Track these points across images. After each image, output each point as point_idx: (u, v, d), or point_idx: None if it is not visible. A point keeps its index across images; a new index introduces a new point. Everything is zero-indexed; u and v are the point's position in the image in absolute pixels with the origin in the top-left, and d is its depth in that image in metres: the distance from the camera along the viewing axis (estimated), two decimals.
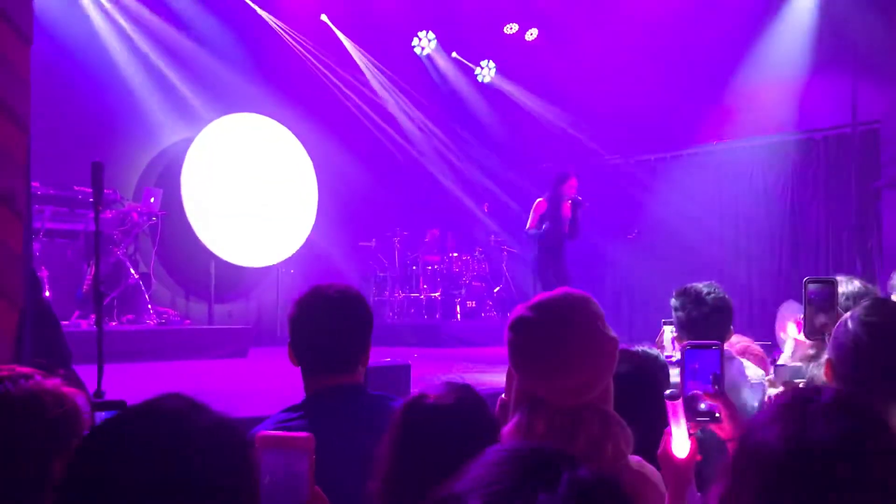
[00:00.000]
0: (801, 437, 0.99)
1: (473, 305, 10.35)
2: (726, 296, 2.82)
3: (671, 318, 2.83)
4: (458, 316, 10.08)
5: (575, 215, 7.28)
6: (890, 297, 2.64)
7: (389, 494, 1.45)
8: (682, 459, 1.58)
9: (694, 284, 2.87)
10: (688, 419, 1.58)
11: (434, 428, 1.46)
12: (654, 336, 3.11)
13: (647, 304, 8.91)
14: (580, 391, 1.51)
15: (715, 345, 1.69)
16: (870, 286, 2.66)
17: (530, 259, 7.58)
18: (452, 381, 1.60)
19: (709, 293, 2.82)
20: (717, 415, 1.61)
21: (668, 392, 1.57)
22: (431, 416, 1.48)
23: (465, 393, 1.55)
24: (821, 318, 2.06)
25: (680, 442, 1.58)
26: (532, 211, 7.38)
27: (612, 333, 1.56)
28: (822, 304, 2.07)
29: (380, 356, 6.25)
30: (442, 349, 8.59)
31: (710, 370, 1.65)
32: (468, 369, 6.14)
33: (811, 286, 2.08)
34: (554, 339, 1.52)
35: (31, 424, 1.32)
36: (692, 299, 2.80)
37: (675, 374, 2.26)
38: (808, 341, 2.19)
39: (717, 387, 1.65)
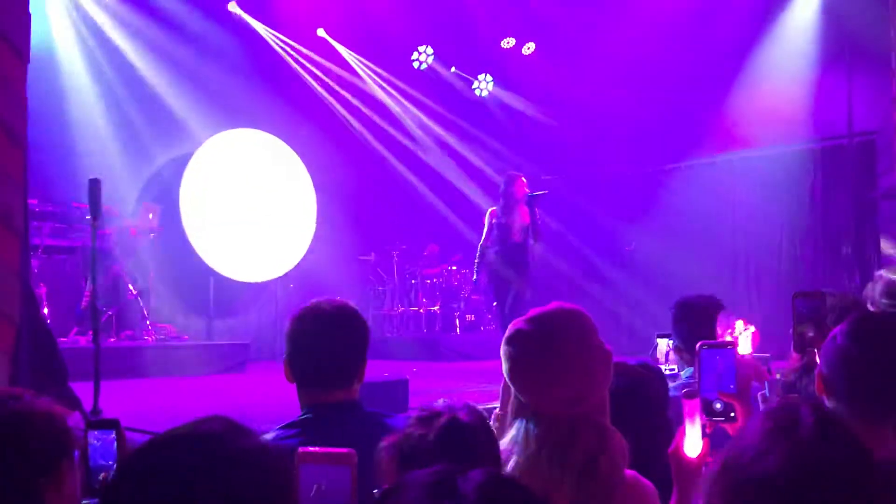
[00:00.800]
0: (801, 466, 1.00)
1: (473, 319, 10.35)
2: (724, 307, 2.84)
3: (666, 331, 2.84)
4: (458, 329, 10.07)
5: (533, 214, 6.61)
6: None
7: None
8: (693, 459, 1.61)
9: (693, 295, 2.89)
10: (703, 418, 1.60)
11: (443, 449, 1.46)
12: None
13: (644, 317, 8.88)
14: (574, 402, 1.54)
15: (730, 344, 1.73)
16: (859, 298, 2.67)
17: (484, 277, 7.01)
18: (450, 400, 1.61)
19: (708, 305, 2.84)
20: (733, 414, 1.64)
21: (685, 391, 1.60)
22: (443, 436, 1.48)
23: (476, 415, 1.56)
24: (809, 332, 2.07)
25: (693, 441, 1.61)
26: (486, 223, 6.80)
27: (606, 346, 1.59)
28: (811, 318, 2.08)
29: (379, 370, 6.24)
30: (441, 363, 8.58)
31: (725, 370, 1.68)
32: (467, 383, 6.12)
33: (799, 300, 2.09)
34: (548, 351, 1.56)
35: (17, 446, 1.32)
36: (692, 310, 2.83)
37: (672, 388, 2.27)
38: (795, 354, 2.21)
39: (733, 386, 1.67)
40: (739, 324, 3.06)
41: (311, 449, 1.24)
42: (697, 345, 1.72)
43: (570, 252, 10.14)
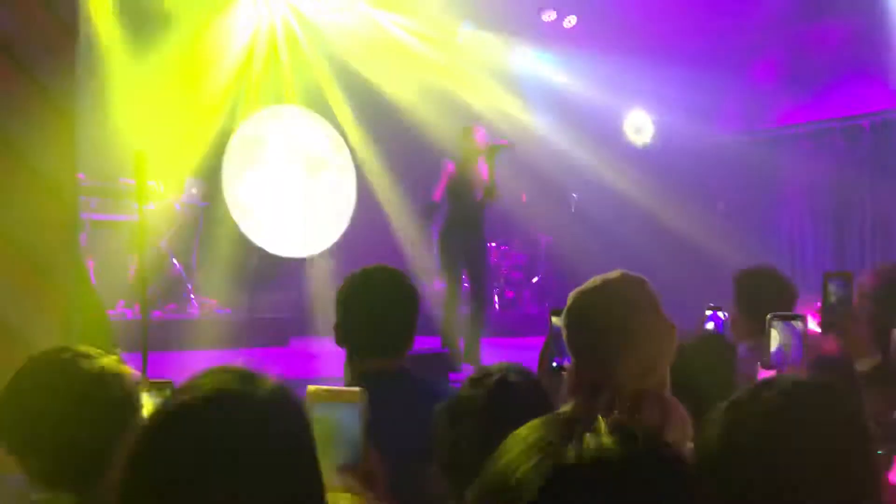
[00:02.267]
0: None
1: (512, 296, 10.32)
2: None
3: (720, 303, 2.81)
4: (497, 306, 10.05)
5: (492, 168, 5.95)
6: None
7: (455, 476, 1.45)
8: None
9: (762, 265, 2.88)
10: None
11: (497, 406, 1.45)
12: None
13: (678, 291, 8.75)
14: (641, 376, 1.50)
15: (801, 317, 1.71)
16: None
17: (435, 238, 6.40)
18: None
19: (780, 276, 2.84)
20: None
21: (763, 360, 1.58)
22: (496, 394, 1.47)
23: (522, 371, 1.55)
24: (838, 312, 2.06)
25: None
26: (440, 177, 6.02)
27: (669, 318, 1.55)
28: (840, 298, 2.07)
29: (417, 344, 6.24)
30: (481, 339, 8.58)
31: (796, 343, 1.67)
32: (510, 359, 6.12)
33: (830, 281, 2.08)
34: (616, 323, 1.51)
35: (92, 403, 1.35)
36: (763, 280, 2.81)
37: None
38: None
39: (801, 359, 1.66)
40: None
41: (320, 387, 1.24)
42: (769, 315, 1.69)
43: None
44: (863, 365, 2.06)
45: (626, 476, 0.73)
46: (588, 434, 0.75)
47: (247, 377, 1.01)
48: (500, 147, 6.07)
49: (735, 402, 1.11)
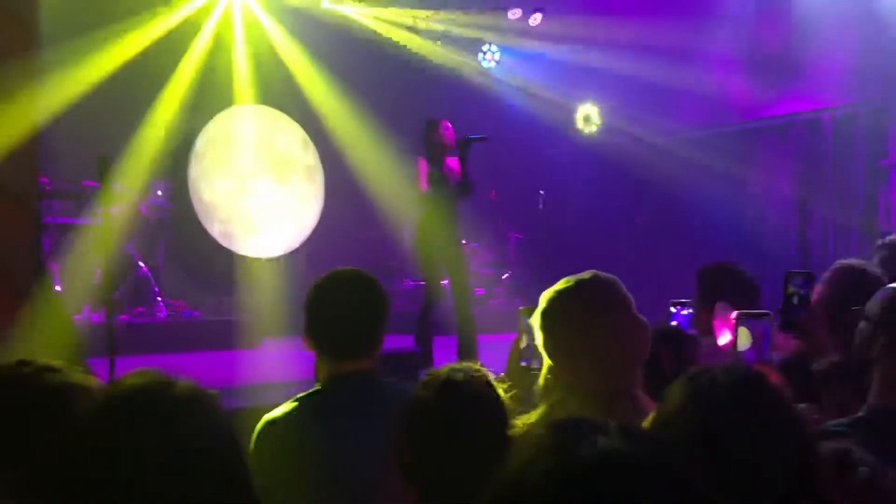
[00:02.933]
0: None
1: (482, 292, 10.35)
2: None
3: (683, 298, 2.83)
4: None
5: (465, 163, 5.83)
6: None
7: (406, 473, 1.46)
8: None
9: (724, 261, 2.91)
10: None
11: (445, 404, 1.46)
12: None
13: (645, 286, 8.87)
14: (614, 376, 1.50)
15: (767, 314, 1.73)
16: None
17: (414, 230, 6.14)
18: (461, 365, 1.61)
19: (742, 271, 2.86)
20: None
21: (729, 359, 1.59)
22: (442, 394, 1.49)
23: (475, 373, 1.55)
24: (799, 311, 2.10)
25: None
26: (418, 172, 5.86)
27: (642, 318, 1.55)
28: (801, 297, 2.11)
29: (388, 344, 6.22)
30: (452, 336, 8.58)
31: (763, 339, 1.69)
32: (482, 355, 6.12)
33: (791, 280, 2.12)
34: (589, 323, 1.51)
35: (58, 418, 1.33)
36: (726, 276, 2.84)
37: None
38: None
39: (768, 355, 1.68)
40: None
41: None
42: (734, 314, 1.71)
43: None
44: (821, 363, 2.10)
45: (640, 474, 0.75)
46: (600, 435, 0.77)
47: (161, 380, 1.02)
48: (473, 140, 5.91)
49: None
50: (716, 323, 2.61)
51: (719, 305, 2.58)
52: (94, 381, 1.43)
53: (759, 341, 1.69)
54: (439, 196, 5.82)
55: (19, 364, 1.40)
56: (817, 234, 8.51)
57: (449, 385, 1.47)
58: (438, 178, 5.80)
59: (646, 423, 1.18)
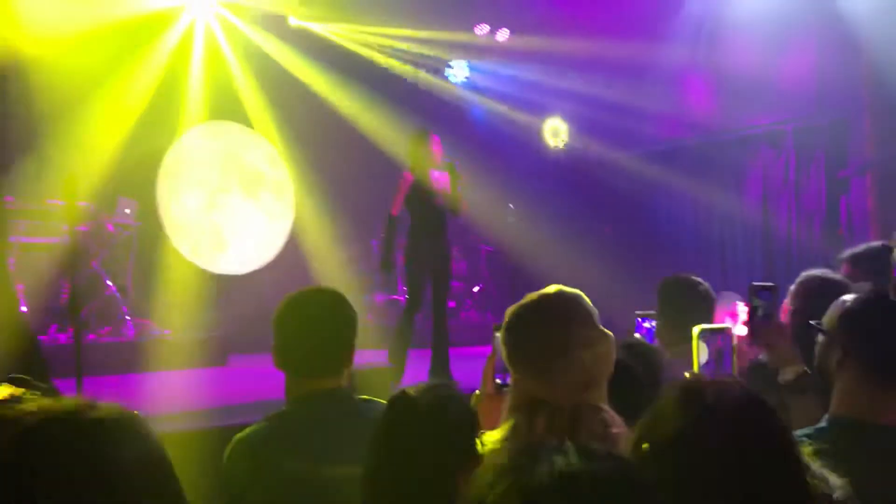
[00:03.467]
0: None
1: (453, 305, 10.36)
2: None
3: (647, 311, 2.87)
4: None
5: (455, 181, 5.76)
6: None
7: (376, 493, 1.47)
8: None
9: (682, 274, 2.93)
10: None
11: (414, 423, 1.48)
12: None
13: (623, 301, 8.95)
14: (581, 389, 1.52)
15: (727, 329, 1.75)
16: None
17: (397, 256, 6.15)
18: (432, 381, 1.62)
19: (699, 283, 2.88)
20: None
21: (688, 373, 1.59)
22: (411, 411, 1.50)
23: (444, 389, 1.57)
24: (764, 323, 2.14)
25: None
26: (397, 190, 5.83)
27: (607, 331, 1.57)
28: (766, 309, 2.15)
29: (360, 359, 6.22)
30: (424, 350, 8.58)
31: (725, 353, 1.71)
32: (454, 368, 6.13)
33: (756, 292, 2.16)
34: (554, 337, 1.53)
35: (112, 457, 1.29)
36: (683, 288, 2.86)
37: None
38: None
39: (730, 369, 1.70)
40: (741, 306, 3.10)
41: None
42: (696, 329, 1.73)
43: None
44: (787, 374, 2.14)
45: (596, 493, 0.77)
46: (557, 455, 0.79)
47: (82, 404, 1.01)
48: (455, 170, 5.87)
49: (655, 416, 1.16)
50: (726, 315, 2.66)
51: (724, 294, 2.63)
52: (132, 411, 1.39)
53: (719, 355, 1.72)
54: (423, 211, 5.79)
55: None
56: (780, 246, 8.64)
57: (414, 404, 1.48)
58: (421, 191, 5.76)
59: (629, 444, 1.18)
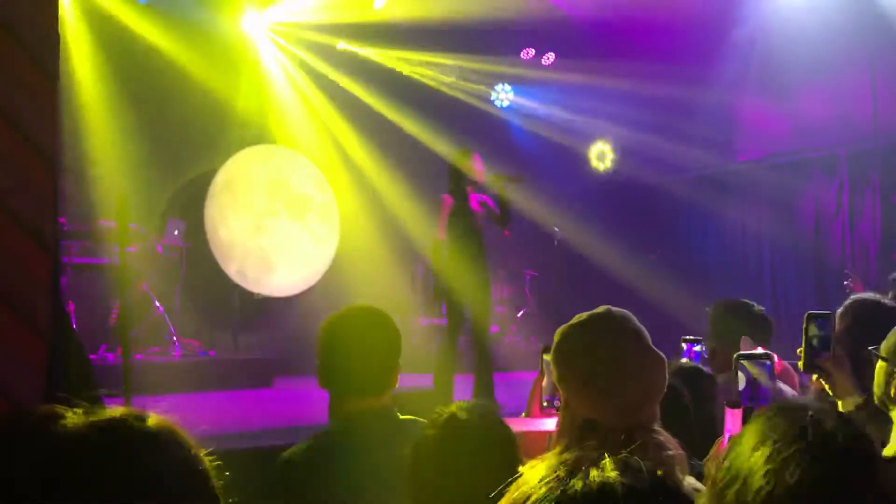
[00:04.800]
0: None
1: (497, 330, 10.30)
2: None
3: (694, 335, 2.80)
4: None
5: (505, 199, 5.75)
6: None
7: None
8: None
9: (737, 299, 2.87)
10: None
11: (453, 444, 1.46)
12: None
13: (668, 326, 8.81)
14: (634, 411, 1.48)
15: (769, 356, 1.70)
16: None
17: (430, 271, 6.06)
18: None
19: (753, 305, 2.82)
20: None
21: (728, 399, 1.55)
22: (451, 432, 1.48)
23: (486, 409, 1.55)
24: (820, 353, 2.07)
25: None
26: (440, 213, 5.79)
27: (659, 353, 1.54)
28: (821, 339, 2.08)
29: (404, 382, 6.20)
30: (467, 374, 8.54)
31: (765, 380, 1.66)
32: (498, 393, 6.07)
33: (811, 320, 2.09)
34: (604, 359, 1.49)
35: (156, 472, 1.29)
36: (737, 311, 2.80)
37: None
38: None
39: (771, 396, 1.65)
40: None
41: None
42: (735, 355, 1.69)
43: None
44: (846, 405, 2.06)
45: None
46: (594, 468, 0.79)
47: (125, 414, 1.00)
48: (508, 179, 5.88)
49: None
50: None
51: (744, 340, 2.55)
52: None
53: (757, 382, 1.66)
54: (465, 231, 5.73)
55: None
56: (833, 274, 8.42)
57: (453, 423, 1.46)
58: (464, 212, 5.72)
59: (719, 471, 1.05)
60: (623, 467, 0.80)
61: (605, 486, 0.77)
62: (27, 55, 2.82)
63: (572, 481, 0.78)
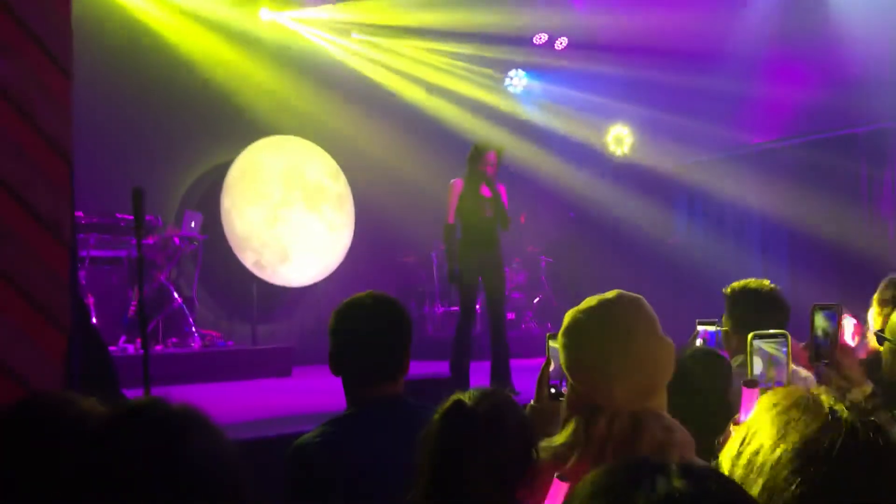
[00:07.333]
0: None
1: (513, 317, 10.31)
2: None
3: (710, 318, 2.79)
4: None
5: (503, 210, 5.80)
6: None
7: (429, 500, 1.45)
8: None
9: (754, 280, 2.83)
10: None
11: (466, 431, 1.45)
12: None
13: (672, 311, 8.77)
14: (642, 396, 1.47)
15: (784, 335, 1.68)
16: None
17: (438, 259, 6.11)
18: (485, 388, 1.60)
19: (770, 288, 2.78)
20: None
21: (745, 380, 1.53)
22: (463, 419, 1.47)
23: (500, 396, 1.54)
24: (827, 344, 2.05)
25: None
26: (449, 198, 5.85)
27: (668, 339, 1.53)
28: (827, 330, 2.06)
29: (421, 370, 6.24)
30: (483, 361, 8.56)
31: (779, 361, 1.65)
32: (514, 380, 6.07)
33: (819, 312, 2.07)
34: (614, 342, 1.48)
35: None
36: (752, 293, 2.77)
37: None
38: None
39: (785, 377, 1.64)
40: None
41: None
42: (750, 335, 1.67)
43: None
44: (855, 395, 2.05)
45: None
46: (659, 475, 0.73)
47: (151, 401, 1.01)
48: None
49: None
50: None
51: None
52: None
53: (772, 363, 1.65)
54: (475, 220, 5.80)
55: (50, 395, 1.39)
56: (853, 258, 8.30)
57: (463, 408, 1.46)
58: (473, 200, 5.78)
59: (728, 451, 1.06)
60: (690, 474, 0.74)
61: (675, 498, 0.71)
62: (41, 50, 2.84)
63: (637, 492, 0.72)
